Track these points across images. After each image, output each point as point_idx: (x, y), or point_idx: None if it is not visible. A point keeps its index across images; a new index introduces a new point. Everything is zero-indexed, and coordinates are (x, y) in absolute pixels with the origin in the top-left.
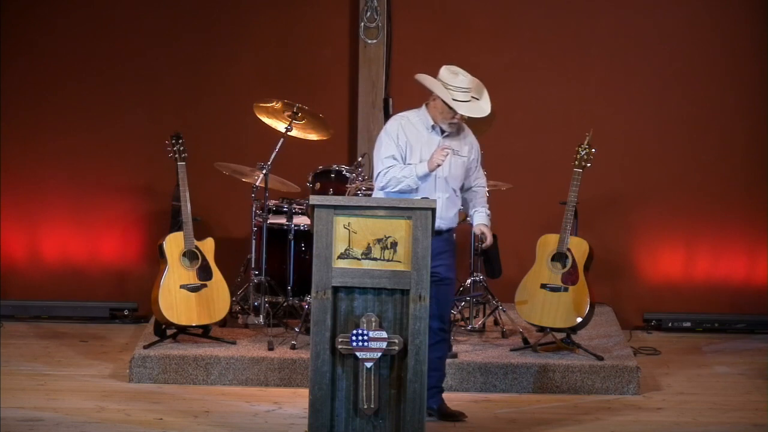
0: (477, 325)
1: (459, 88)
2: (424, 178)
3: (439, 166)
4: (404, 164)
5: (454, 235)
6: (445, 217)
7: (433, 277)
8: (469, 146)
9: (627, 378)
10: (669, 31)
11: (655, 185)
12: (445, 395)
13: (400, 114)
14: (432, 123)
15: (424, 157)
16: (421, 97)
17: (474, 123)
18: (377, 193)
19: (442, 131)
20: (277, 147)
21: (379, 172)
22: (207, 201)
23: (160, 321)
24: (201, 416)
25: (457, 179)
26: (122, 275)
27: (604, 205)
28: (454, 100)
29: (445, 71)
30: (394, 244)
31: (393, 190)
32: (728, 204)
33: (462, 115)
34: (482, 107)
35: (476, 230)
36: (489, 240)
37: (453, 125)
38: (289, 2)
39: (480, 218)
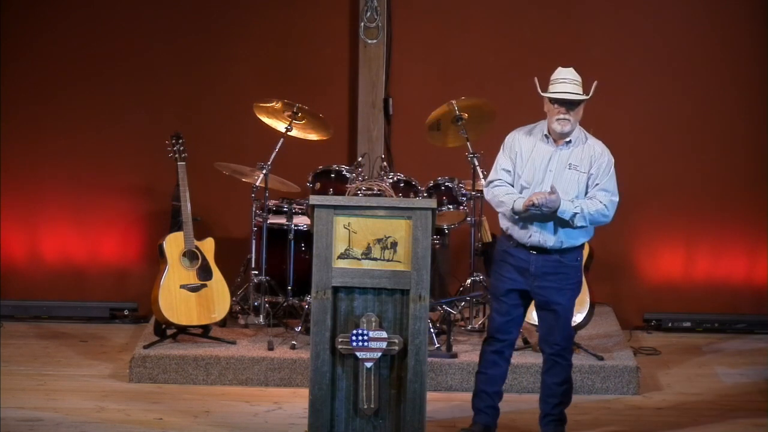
0: (477, 325)
1: (556, 80)
2: (518, 213)
3: (534, 205)
4: (511, 186)
5: (578, 257)
6: (547, 233)
7: (538, 298)
8: (589, 160)
9: (627, 378)
10: (669, 31)
11: (655, 185)
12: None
13: (521, 127)
14: (546, 132)
15: (536, 168)
16: (421, 97)
17: (477, 121)
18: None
19: (556, 141)
20: (277, 147)
21: (490, 182)
22: (207, 201)
23: (160, 321)
24: (201, 416)
25: (569, 194)
26: (122, 275)
27: None
28: (547, 94)
29: None
30: (394, 244)
31: (496, 209)
32: (728, 204)
33: (566, 117)
34: (574, 93)
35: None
36: (543, 197)
37: (562, 122)
38: (289, 2)
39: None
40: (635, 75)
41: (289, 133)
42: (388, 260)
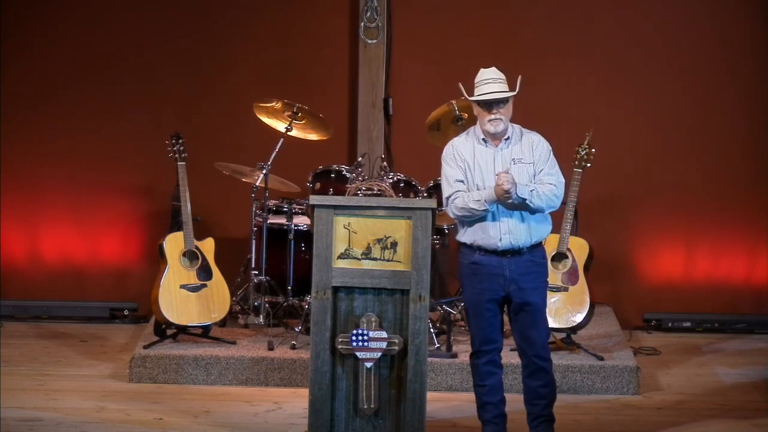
0: None
1: (480, 81)
2: (493, 204)
3: (507, 192)
4: (469, 191)
5: (544, 254)
6: (517, 233)
7: (515, 301)
8: (530, 150)
9: (627, 378)
10: (669, 31)
11: (655, 185)
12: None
13: (451, 140)
14: (482, 136)
15: (484, 173)
16: (420, 97)
17: (476, 120)
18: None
19: (494, 142)
20: (277, 147)
21: (447, 198)
22: (207, 201)
23: (160, 321)
24: (201, 416)
25: None
26: (122, 275)
27: (604, 205)
28: (474, 97)
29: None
30: (394, 244)
31: (469, 221)
32: (728, 204)
33: (497, 117)
34: (501, 91)
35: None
36: (508, 180)
37: (495, 122)
38: (289, 2)
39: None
40: (635, 75)
41: (289, 133)
42: (388, 260)
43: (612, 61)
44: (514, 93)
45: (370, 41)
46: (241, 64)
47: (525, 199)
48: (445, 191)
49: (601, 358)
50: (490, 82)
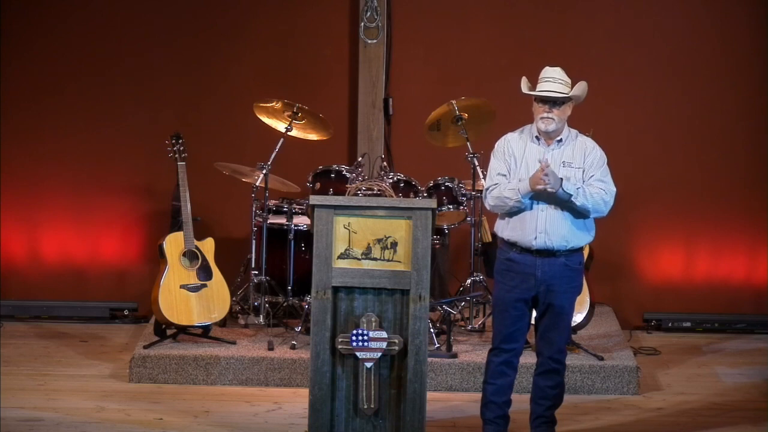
0: (477, 325)
1: (542, 78)
2: (527, 196)
3: (540, 186)
4: (510, 181)
5: (581, 260)
6: (552, 234)
7: (543, 302)
8: (582, 155)
9: (627, 378)
10: (669, 31)
11: (655, 185)
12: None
13: (509, 132)
14: (536, 134)
15: (530, 170)
16: (421, 97)
17: (476, 121)
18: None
19: (547, 142)
20: (277, 147)
21: (487, 188)
22: (207, 201)
23: (160, 321)
24: (201, 416)
25: None
26: (122, 275)
27: None
28: (530, 92)
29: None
30: (394, 244)
31: (502, 212)
32: (728, 204)
33: (549, 116)
34: (556, 91)
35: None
36: (544, 177)
37: (545, 120)
38: (289, 2)
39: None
40: (635, 74)
41: (289, 133)
42: (388, 260)
43: (611, 60)
44: (567, 95)
45: (370, 41)
46: (241, 64)
47: (571, 195)
48: (486, 183)
49: (601, 358)
50: (550, 81)
